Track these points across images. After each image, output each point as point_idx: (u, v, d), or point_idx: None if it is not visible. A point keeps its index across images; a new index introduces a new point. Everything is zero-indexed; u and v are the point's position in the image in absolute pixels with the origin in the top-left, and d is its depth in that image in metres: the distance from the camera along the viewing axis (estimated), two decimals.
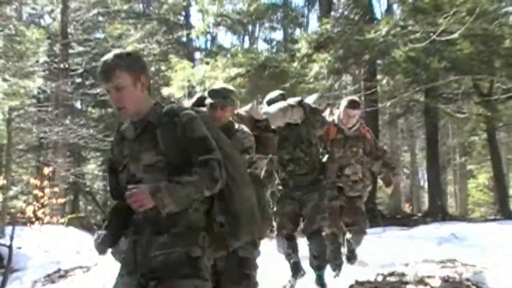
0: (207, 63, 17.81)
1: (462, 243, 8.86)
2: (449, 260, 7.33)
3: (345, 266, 6.58)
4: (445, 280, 6.05)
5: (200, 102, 4.40)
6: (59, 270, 9.00)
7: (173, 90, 17.26)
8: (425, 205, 25.69)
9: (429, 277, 6.23)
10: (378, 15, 18.06)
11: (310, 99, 6.08)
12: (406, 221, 16.34)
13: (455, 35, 12.21)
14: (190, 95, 19.90)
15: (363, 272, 6.63)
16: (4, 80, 14.04)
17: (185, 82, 17.13)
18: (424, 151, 23.80)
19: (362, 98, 17.48)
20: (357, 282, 6.23)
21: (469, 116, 18.24)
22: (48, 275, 8.81)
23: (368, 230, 12.49)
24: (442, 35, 12.29)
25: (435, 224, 13.09)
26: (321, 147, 6.22)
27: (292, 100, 5.72)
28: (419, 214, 20.18)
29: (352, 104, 6.40)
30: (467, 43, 13.71)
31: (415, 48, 13.71)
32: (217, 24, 24.22)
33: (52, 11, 23.20)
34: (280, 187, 6.03)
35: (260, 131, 4.81)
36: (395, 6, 18.09)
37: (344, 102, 6.54)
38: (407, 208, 28.02)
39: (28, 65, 14.36)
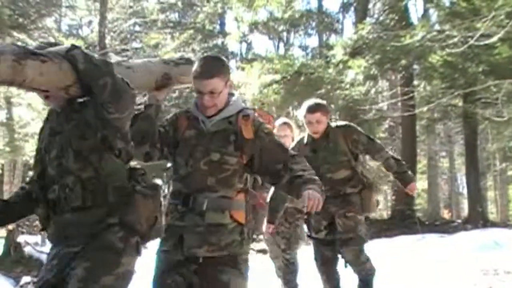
0: (243, 69, 17.91)
1: (504, 250, 8.69)
2: (491, 268, 7.21)
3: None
4: None
5: None
6: None
7: None
8: (465, 211, 25.32)
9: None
10: (414, 20, 17.90)
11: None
12: (446, 227, 16.13)
13: (494, 39, 12.01)
14: None
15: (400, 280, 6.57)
16: None
17: None
18: (463, 157, 23.45)
19: (399, 104, 17.39)
20: None
21: (509, 120, 17.94)
22: None
23: (407, 237, 12.41)
24: (480, 39, 12.12)
25: (475, 230, 12.88)
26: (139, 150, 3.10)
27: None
28: (459, 221, 19.90)
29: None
30: (506, 47, 13.49)
31: (453, 53, 13.55)
32: (252, 31, 24.34)
33: (90, 22, 23.68)
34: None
35: None
36: (431, 11, 17.94)
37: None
38: (446, 214, 27.68)
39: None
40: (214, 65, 3.11)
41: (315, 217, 4.90)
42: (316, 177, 3.05)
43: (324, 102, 5.06)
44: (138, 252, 2.78)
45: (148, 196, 2.79)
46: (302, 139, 5.08)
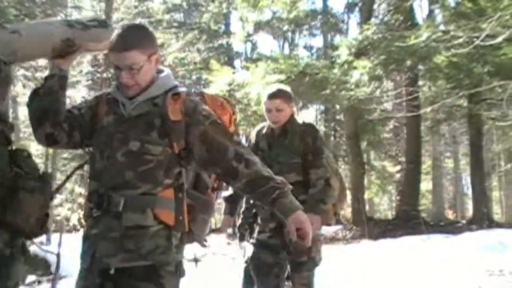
0: (247, 68, 17.91)
1: (509, 251, 8.68)
2: (497, 269, 7.20)
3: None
4: None
5: None
6: None
7: (212, 93, 17.40)
8: (469, 212, 25.27)
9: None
10: (419, 20, 17.89)
11: None
12: (450, 228, 16.10)
13: (499, 40, 11.99)
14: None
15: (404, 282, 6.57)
16: None
17: (225, 86, 17.30)
18: (468, 157, 23.41)
19: (404, 104, 17.38)
20: None
21: None
22: None
23: (412, 238, 12.40)
24: (485, 39, 12.11)
25: (480, 231, 12.86)
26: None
27: None
28: (464, 221, 19.85)
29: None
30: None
31: (458, 53, 13.53)
32: (256, 31, 24.35)
33: None
34: None
35: None
36: (436, 11, 17.93)
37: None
38: (450, 215, 27.62)
39: (73, 75, 14.65)
40: (134, 35, 2.48)
41: (264, 217, 4.18)
42: (283, 179, 2.51)
43: (288, 89, 4.40)
44: (24, 254, 2.41)
45: (36, 189, 2.36)
46: (262, 128, 4.39)
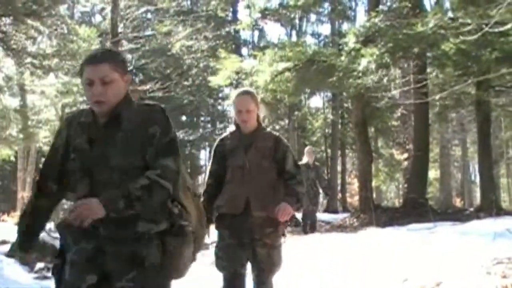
0: (255, 56, 17.90)
1: None
2: (505, 257, 7.19)
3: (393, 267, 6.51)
4: (502, 277, 5.94)
5: None
6: None
7: (220, 80, 17.53)
8: (477, 199, 25.25)
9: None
10: (427, 7, 17.80)
11: None
12: (458, 216, 16.08)
13: (508, 26, 11.92)
14: (237, 86, 20.16)
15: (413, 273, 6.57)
16: (58, 78, 14.45)
17: (233, 74, 17.34)
18: (476, 145, 23.35)
19: (412, 91, 17.32)
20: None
21: None
22: None
23: (419, 225, 12.39)
24: (494, 26, 12.03)
25: (488, 219, 12.83)
26: None
27: None
28: (471, 209, 19.83)
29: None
30: None
31: (466, 40, 13.45)
32: (264, 18, 24.28)
33: (102, 9, 23.71)
34: None
35: None
36: None
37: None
38: (458, 202, 27.61)
39: (80, 63, 14.68)
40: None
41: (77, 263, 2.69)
42: None
43: (119, 51, 3.01)
44: None
45: None
46: (79, 115, 2.72)
